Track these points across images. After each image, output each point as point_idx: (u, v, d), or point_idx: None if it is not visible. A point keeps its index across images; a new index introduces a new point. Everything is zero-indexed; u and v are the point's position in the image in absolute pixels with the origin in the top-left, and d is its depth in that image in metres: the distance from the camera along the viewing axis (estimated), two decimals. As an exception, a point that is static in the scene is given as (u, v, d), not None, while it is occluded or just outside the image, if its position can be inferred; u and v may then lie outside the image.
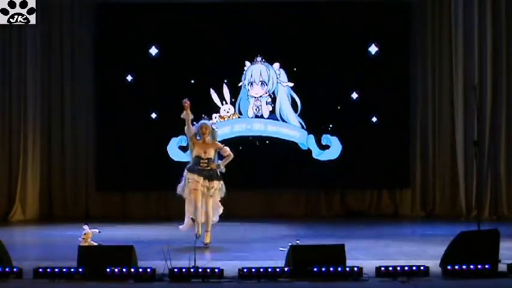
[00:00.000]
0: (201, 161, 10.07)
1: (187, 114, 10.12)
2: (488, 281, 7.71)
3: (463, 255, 7.89)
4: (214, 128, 10.27)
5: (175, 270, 7.71)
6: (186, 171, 10.16)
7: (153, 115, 14.00)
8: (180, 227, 10.30)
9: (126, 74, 14.02)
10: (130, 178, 14.01)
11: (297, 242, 8.41)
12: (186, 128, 10.17)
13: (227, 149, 10.27)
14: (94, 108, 14.15)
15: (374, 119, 14.08)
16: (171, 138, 13.85)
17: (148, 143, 13.90)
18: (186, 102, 10.13)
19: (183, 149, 13.53)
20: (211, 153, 10.12)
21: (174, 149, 13.87)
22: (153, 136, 13.87)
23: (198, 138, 10.16)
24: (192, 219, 10.17)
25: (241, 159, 13.35)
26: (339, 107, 14.08)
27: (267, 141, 14.08)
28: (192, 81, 14.00)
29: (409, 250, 9.73)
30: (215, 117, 13.96)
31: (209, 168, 10.09)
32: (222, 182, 10.21)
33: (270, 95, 14.09)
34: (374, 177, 14.02)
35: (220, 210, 10.34)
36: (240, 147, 13.68)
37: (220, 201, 10.30)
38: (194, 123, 10.32)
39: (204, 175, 10.07)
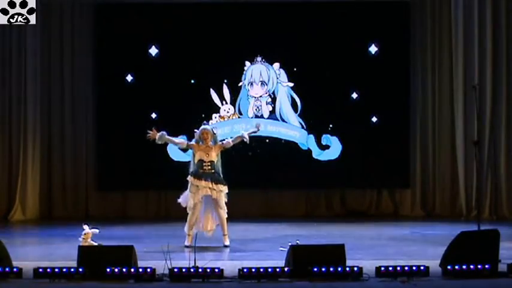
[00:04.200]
0: (204, 164, 10.13)
1: (158, 138, 10.31)
2: (488, 281, 7.72)
3: (463, 255, 7.89)
4: (215, 132, 10.34)
5: (175, 270, 7.72)
6: (190, 176, 10.19)
7: (153, 115, 14.00)
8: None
9: (126, 74, 14.02)
10: (131, 178, 14.01)
11: (297, 242, 8.41)
12: (172, 145, 10.30)
13: (228, 140, 10.33)
14: (94, 108, 14.15)
15: (374, 119, 14.08)
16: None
17: (149, 143, 13.80)
18: (150, 135, 10.36)
19: (183, 149, 13.54)
20: (214, 156, 10.17)
21: (174, 149, 13.85)
22: (153, 136, 13.86)
23: (200, 143, 10.22)
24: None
25: (241, 159, 13.44)
26: (339, 107, 14.08)
27: (267, 141, 14.08)
28: (192, 81, 14.00)
29: (409, 250, 9.73)
30: (215, 117, 13.97)
31: (213, 171, 10.14)
32: (226, 187, 10.27)
33: (270, 95, 14.09)
34: (374, 177, 14.03)
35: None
36: (240, 147, 13.69)
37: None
38: (195, 130, 10.39)
39: (210, 178, 10.12)
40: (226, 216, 10.24)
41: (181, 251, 9.59)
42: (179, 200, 10.30)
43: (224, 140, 10.42)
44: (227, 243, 10.18)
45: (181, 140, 10.57)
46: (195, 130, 10.40)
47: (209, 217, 10.30)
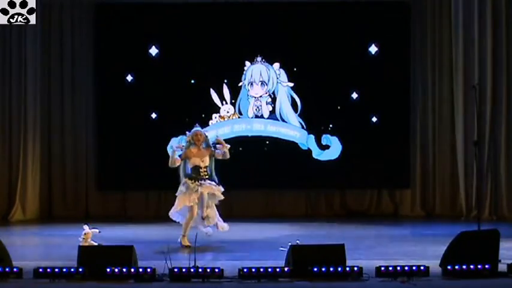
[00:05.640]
0: (201, 170, 10.13)
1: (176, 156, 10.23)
2: (488, 281, 7.72)
3: (463, 255, 7.90)
4: (206, 134, 10.36)
5: (175, 270, 7.72)
6: (184, 178, 10.19)
7: (153, 115, 14.00)
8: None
9: (126, 74, 14.02)
10: (131, 178, 14.01)
11: (297, 242, 8.41)
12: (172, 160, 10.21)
13: (218, 151, 10.31)
14: (94, 108, 14.15)
15: (374, 119, 14.08)
16: (171, 138, 13.84)
17: (148, 143, 13.90)
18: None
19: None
20: (208, 161, 10.19)
21: (174, 149, 13.84)
22: (153, 136, 13.87)
23: (192, 147, 10.20)
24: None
25: (242, 159, 13.45)
26: (339, 107, 14.08)
27: (267, 141, 14.08)
28: (192, 81, 14.00)
29: (409, 250, 9.73)
30: (215, 117, 13.98)
31: (208, 176, 10.16)
32: (219, 187, 10.27)
33: (270, 95, 14.09)
34: (374, 177, 14.02)
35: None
36: (240, 148, 13.69)
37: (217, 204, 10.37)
38: (187, 132, 10.48)
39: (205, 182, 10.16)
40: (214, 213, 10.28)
41: (181, 251, 9.59)
42: (174, 218, 10.33)
43: (217, 147, 10.36)
44: (207, 230, 10.18)
45: (177, 157, 10.27)
46: (187, 132, 10.46)
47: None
